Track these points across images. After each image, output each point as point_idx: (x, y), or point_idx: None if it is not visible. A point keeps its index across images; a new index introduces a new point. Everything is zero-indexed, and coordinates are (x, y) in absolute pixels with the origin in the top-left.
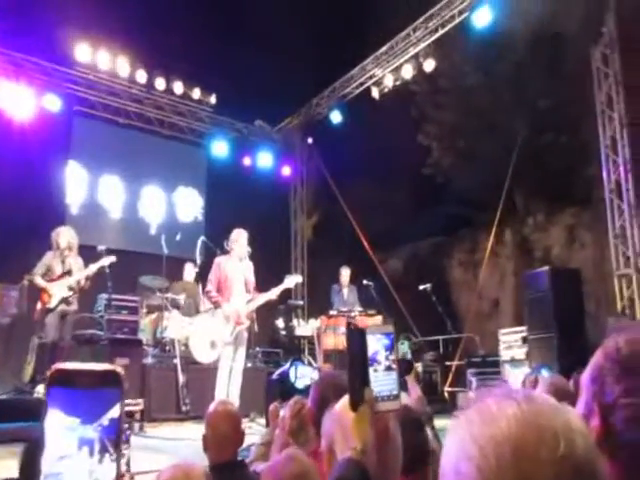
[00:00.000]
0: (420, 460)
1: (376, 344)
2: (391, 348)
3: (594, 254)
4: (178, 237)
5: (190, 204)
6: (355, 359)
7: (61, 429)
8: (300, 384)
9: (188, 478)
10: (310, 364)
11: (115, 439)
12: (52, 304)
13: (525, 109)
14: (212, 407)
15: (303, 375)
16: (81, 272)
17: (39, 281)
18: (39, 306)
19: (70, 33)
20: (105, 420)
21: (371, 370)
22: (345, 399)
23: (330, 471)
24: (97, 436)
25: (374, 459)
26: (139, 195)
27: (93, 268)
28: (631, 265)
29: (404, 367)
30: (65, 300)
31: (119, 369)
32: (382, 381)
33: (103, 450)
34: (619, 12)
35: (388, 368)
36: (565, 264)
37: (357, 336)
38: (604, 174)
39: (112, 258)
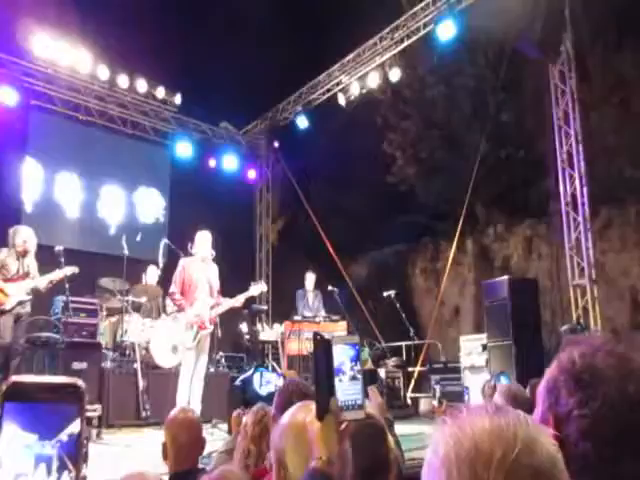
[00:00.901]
0: (382, 468)
1: (342, 355)
2: (356, 359)
3: (550, 264)
4: (139, 238)
5: (151, 205)
6: (321, 369)
7: (17, 446)
8: (264, 391)
9: None
10: (274, 369)
11: (75, 455)
12: (7, 306)
13: (485, 122)
14: (172, 414)
15: (268, 381)
16: (43, 278)
17: None
18: None
19: (29, 25)
20: (64, 436)
21: (336, 380)
22: (295, 408)
23: None
24: (55, 453)
25: (338, 468)
26: (98, 194)
27: (56, 275)
28: (585, 276)
29: (369, 378)
30: (21, 303)
31: (80, 382)
32: (347, 391)
33: (62, 468)
34: (576, 31)
35: (353, 378)
36: (523, 274)
37: (324, 347)
38: (560, 188)
39: (75, 269)
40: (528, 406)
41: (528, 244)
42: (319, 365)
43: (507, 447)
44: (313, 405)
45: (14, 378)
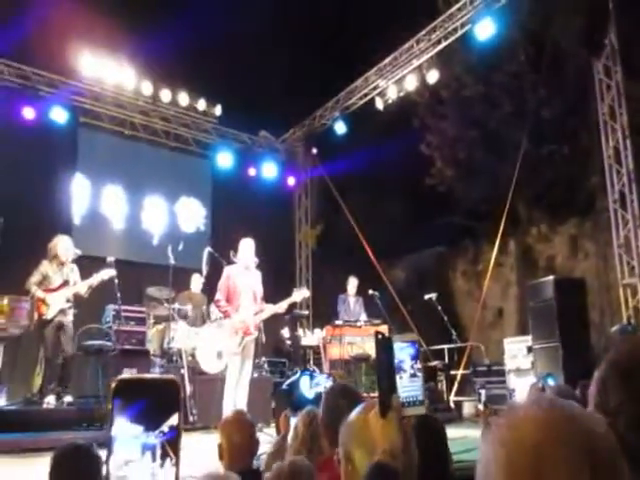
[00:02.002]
0: (441, 463)
1: (402, 353)
2: (416, 357)
3: (597, 264)
4: (181, 247)
5: (192, 214)
6: (382, 367)
7: (126, 436)
8: (311, 393)
9: None
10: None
11: (175, 444)
12: (49, 315)
13: (526, 120)
14: (227, 416)
15: (317, 383)
16: (81, 284)
17: (37, 292)
18: (36, 317)
19: (76, 45)
20: (165, 427)
21: (397, 377)
22: (361, 407)
23: (346, 478)
24: (159, 442)
25: (402, 462)
26: (142, 205)
27: (94, 280)
28: (636, 274)
29: (428, 373)
30: (62, 311)
31: (177, 380)
32: (408, 388)
33: (164, 455)
34: (620, 24)
35: (413, 375)
36: (569, 274)
37: (384, 345)
38: (608, 184)
39: (112, 272)
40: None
41: (573, 243)
42: (380, 363)
43: (569, 444)
44: (376, 403)
45: (121, 376)
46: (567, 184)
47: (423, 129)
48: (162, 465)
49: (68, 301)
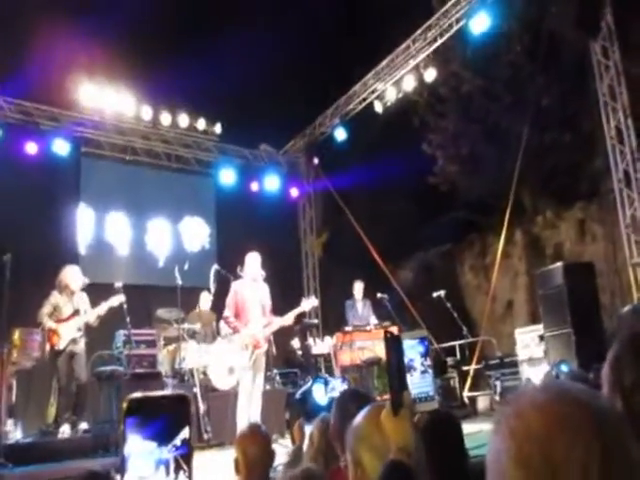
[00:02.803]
0: (458, 457)
1: (412, 351)
2: (426, 354)
3: (606, 246)
4: (186, 267)
5: (197, 233)
6: (393, 366)
7: (139, 453)
8: (325, 400)
9: None
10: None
11: (187, 457)
12: (61, 345)
13: (526, 109)
14: (242, 430)
15: (333, 388)
16: (91, 312)
17: (49, 323)
18: (48, 348)
19: (75, 76)
20: (178, 441)
21: (408, 375)
22: (366, 411)
23: None
24: (172, 456)
25: (415, 460)
26: (145, 229)
27: (104, 307)
28: None
29: (440, 368)
30: (73, 340)
31: (186, 395)
32: (419, 384)
33: (178, 468)
34: (615, 3)
35: (424, 372)
36: (577, 259)
37: (394, 344)
38: (612, 165)
39: (121, 297)
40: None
41: (580, 227)
42: (391, 362)
43: (579, 429)
44: (384, 404)
45: (131, 395)
46: (570, 169)
47: (423, 128)
48: (176, 478)
49: (79, 330)
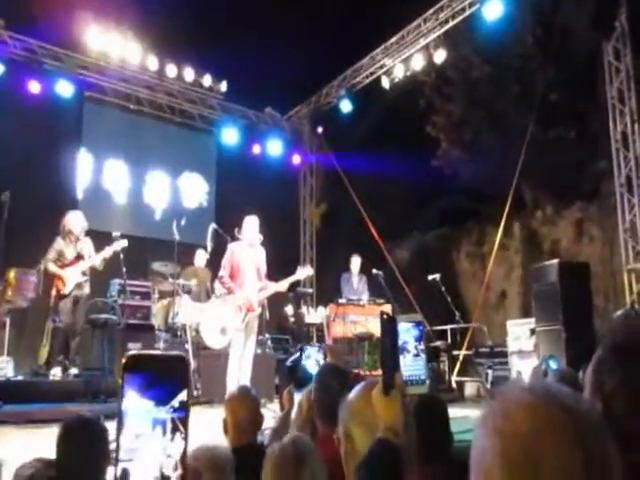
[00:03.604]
0: (443, 439)
1: (406, 334)
2: (420, 338)
3: (602, 249)
4: (183, 222)
5: (195, 190)
6: (387, 346)
7: (137, 411)
8: (315, 370)
9: (215, 458)
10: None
11: (184, 419)
12: (66, 290)
13: (533, 102)
14: (232, 392)
15: (309, 356)
16: (95, 256)
17: (54, 268)
18: (54, 292)
19: (83, 19)
20: (176, 402)
21: (401, 357)
22: (360, 386)
23: (346, 456)
24: (169, 417)
25: (404, 440)
26: (144, 180)
27: (108, 252)
28: None
29: (432, 354)
30: (78, 285)
31: (185, 356)
32: (411, 367)
33: (174, 429)
34: (631, 7)
35: (416, 355)
36: (573, 258)
37: (389, 325)
38: (615, 169)
39: (124, 242)
40: (581, 392)
41: (578, 227)
42: (385, 343)
43: (562, 430)
44: (377, 381)
45: (131, 352)
46: (573, 168)
47: (429, 110)
48: (172, 439)
49: (84, 274)
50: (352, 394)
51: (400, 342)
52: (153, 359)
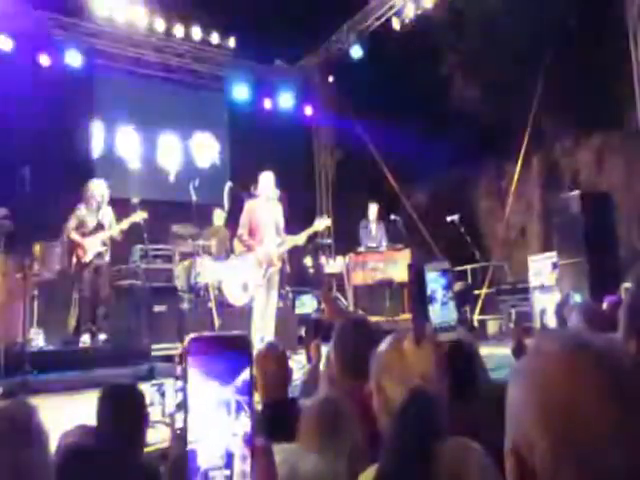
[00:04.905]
0: (471, 385)
1: (434, 283)
2: (448, 286)
3: (625, 177)
4: (197, 183)
5: (207, 149)
6: (416, 297)
7: (201, 392)
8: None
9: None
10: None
11: (248, 398)
12: (87, 258)
13: (551, 29)
14: (259, 349)
15: (303, 303)
16: (115, 227)
17: (75, 237)
18: (74, 261)
19: None
20: (239, 382)
21: (430, 307)
22: (390, 338)
23: (379, 408)
24: (233, 397)
25: (437, 388)
26: (155, 144)
27: (127, 223)
28: None
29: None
30: (99, 254)
31: (248, 335)
32: (440, 314)
33: (239, 409)
34: None
35: (445, 303)
36: (595, 188)
37: (417, 276)
38: (637, 92)
39: (144, 214)
40: (607, 324)
41: (599, 156)
42: (414, 293)
43: (595, 382)
44: (407, 333)
45: (192, 335)
46: (594, 96)
47: (443, 48)
48: (237, 418)
49: (104, 244)
50: (382, 347)
51: (428, 292)
52: (215, 340)
